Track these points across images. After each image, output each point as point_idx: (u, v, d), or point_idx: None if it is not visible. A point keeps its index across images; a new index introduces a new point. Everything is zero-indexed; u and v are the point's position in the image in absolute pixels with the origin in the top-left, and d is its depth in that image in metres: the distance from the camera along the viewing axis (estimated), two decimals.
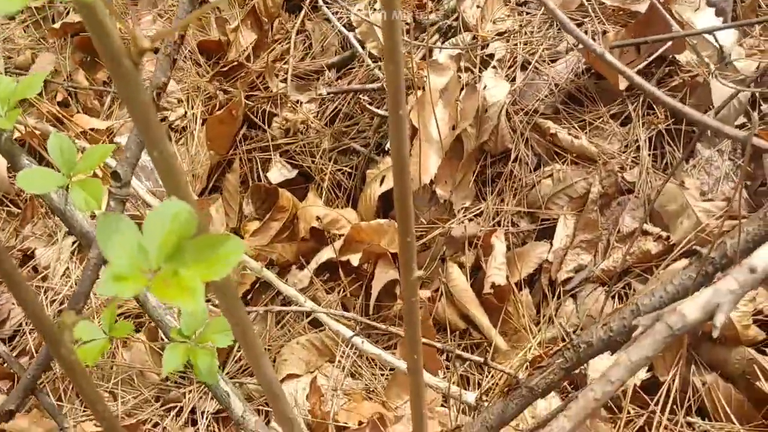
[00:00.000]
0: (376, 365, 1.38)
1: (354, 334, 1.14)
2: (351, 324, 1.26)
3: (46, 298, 1.45)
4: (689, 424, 1.10)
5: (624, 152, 1.43)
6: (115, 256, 0.34)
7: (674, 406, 1.13)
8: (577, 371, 1.04)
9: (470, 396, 1.13)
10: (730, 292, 0.58)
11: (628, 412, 1.12)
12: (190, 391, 1.30)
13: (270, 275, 1.36)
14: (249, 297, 1.47)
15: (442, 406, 1.25)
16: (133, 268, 0.34)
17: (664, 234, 1.34)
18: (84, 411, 1.26)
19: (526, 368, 1.09)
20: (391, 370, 1.36)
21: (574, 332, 1.33)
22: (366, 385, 1.34)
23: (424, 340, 0.82)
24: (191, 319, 0.90)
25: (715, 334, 0.56)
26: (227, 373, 1.35)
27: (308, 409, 1.23)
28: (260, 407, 1.28)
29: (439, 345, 1.04)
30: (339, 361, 1.37)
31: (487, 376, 1.26)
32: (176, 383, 1.32)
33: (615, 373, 0.83)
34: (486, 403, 1.09)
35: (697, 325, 0.59)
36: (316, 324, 1.46)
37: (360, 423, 1.17)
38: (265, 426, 1.06)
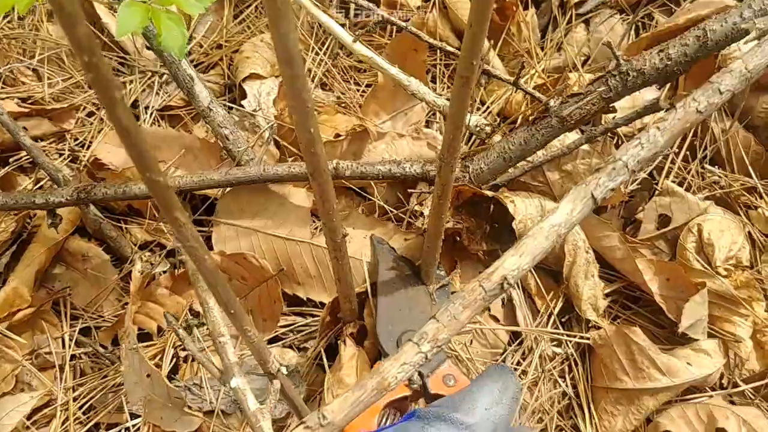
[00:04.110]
0: (350, 80, 1.19)
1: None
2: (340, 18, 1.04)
3: None
4: (699, 173, 1.01)
5: None
6: None
7: (688, 153, 1.02)
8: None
9: (473, 119, 0.97)
10: None
11: None
12: (131, 81, 1.08)
13: None
14: None
15: (426, 126, 1.10)
16: None
17: None
18: None
19: (558, 95, 0.94)
20: (368, 86, 1.18)
21: (585, 62, 1.18)
22: (339, 98, 1.16)
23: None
24: None
25: None
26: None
27: (274, 114, 1.06)
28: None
29: (433, 41, 0.86)
30: (309, 69, 1.17)
31: (487, 101, 1.10)
32: (115, 71, 1.09)
33: (727, 81, 0.68)
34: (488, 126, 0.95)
35: None
36: None
37: (337, 135, 1.02)
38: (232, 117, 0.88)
